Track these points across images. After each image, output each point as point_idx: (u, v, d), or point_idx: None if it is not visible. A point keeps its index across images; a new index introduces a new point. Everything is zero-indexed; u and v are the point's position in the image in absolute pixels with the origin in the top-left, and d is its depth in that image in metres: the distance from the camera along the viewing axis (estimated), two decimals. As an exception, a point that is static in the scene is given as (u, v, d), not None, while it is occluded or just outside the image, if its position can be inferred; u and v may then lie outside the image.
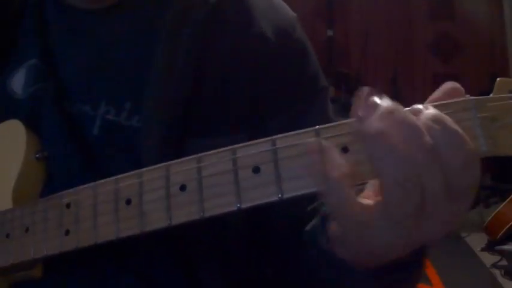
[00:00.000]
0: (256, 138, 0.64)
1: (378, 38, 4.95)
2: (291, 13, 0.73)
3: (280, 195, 0.40)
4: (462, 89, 0.42)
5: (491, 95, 0.41)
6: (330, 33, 5.07)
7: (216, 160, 0.43)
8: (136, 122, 0.62)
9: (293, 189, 0.41)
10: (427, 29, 5.24)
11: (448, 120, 0.38)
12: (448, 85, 0.43)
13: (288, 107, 0.67)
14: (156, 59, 0.62)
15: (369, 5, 5.06)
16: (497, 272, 3.00)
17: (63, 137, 0.63)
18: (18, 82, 0.66)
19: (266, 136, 0.65)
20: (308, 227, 0.56)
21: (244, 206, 0.42)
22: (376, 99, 0.39)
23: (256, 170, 0.42)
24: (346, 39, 5.16)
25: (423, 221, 0.40)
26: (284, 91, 0.68)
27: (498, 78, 0.41)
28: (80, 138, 0.63)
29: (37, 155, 0.62)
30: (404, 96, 4.88)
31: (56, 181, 0.62)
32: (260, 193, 0.41)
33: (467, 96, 0.41)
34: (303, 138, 0.41)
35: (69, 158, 0.63)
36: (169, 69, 0.62)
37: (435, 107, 0.40)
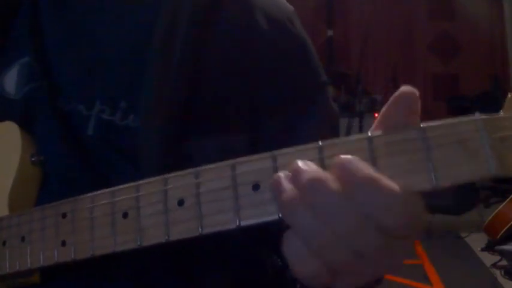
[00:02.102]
0: (257, 139, 0.64)
1: (378, 38, 4.96)
2: (289, 7, 0.72)
3: (280, 215, 0.39)
4: (414, 93, 0.40)
5: (501, 113, 0.38)
6: (330, 33, 5.08)
7: (214, 175, 0.42)
8: (131, 121, 0.61)
9: None
10: (427, 29, 5.25)
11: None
12: (402, 93, 0.40)
13: (288, 106, 0.66)
14: (151, 57, 0.61)
15: (369, 5, 5.06)
16: (497, 272, 3.00)
17: (58, 137, 0.62)
18: (10, 81, 0.65)
19: (269, 134, 0.64)
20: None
21: (244, 223, 0.41)
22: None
23: (256, 187, 0.41)
24: (346, 39, 5.16)
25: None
26: (285, 88, 0.67)
27: (510, 94, 0.39)
28: (75, 138, 0.62)
29: (33, 158, 0.61)
30: (404, 96, 4.88)
31: (52, 182, 0.61)
32: (260, 211, 0.40)
33: (478, 114, 0.39)
34: (305, 154, 0.40)
35: (65, 158, 0.62)
36: (165, 68, 0.61)
37: (439, 126, 0.38)
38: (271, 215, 0.40)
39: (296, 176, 0.38)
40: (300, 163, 0.38)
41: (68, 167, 0.61)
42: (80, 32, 0.65)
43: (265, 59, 0.65)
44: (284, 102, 0.66)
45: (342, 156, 0.37)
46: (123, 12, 0.65)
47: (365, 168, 0.36)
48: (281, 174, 0.39)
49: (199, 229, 0.42)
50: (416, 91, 0.40)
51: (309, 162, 0.38)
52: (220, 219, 0.41)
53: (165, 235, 0.44)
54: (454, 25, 5.22)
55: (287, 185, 0.38)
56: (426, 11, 5.24)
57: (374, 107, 4.35)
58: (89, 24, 0.65)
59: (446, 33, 5.25)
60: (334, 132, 0.69)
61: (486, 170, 0.36)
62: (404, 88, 0.40)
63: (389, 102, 0.40)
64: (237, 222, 0.41)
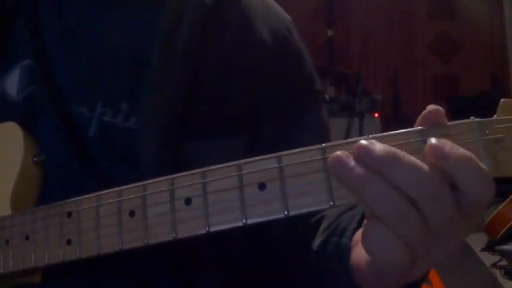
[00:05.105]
0: (254, 142, 0.65)
1: (378, 38, 4.95)
2: (287, 16, 0.74)
3: (286, 213, 0.40)
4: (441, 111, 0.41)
5: (494, 117, 0.40)
6: (330, 33, 5.08)
7: (221, 176, 0.43)
8: (133, 123, 0.62)
9: (299, 207, 0.40)
10: (427, 29, 5.25)
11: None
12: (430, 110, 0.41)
13: (285, 111, 0.68)
14: (153, 60, 0.62)
15: (369, 5, 5.06)
16: (497, 272, 2.99)
17: (59, 139, 0.62)
18: (11, 84, 0.65)
19: (264, 140, 0.65)
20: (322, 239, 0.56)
21: (250, 222, 0.41)
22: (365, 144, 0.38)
23: (262, 186, 0.41)
24: (346, 39, 5.16)
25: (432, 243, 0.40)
26: (281, 95, 0.68)
27: (502, 99, 0.40)
28: (77, 140, 0.62)
29: (35, 159, 0.61)
30: (404, 96, 4.89)
31: (53, 183, 0.62)
32: (266, 210, 0.41)
33: (473, 118, 0.40)
34: (309, 155, 0.41)
35: (66, 159, 0.62)
36: (166, 70, 0.61)
37: (437, 128, 0.39)
38: (277, 213, 0.41)
39: (368, 153, 0.37)
40: (365, 141, 0.38)
41: (68, 168, 0.62)
42: (81, 34, 0.66)
43: (263, 66, 0.67)
44: (280, 107, 0.68)
45: (434, 140, 0.38)
46: (124, 14, 0.66)
47: (460, 148, 0.37)
48: (341, 153, 0.38)
49: (207, 227, 0.43)
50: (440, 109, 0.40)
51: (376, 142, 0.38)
52: (227, 218, 0.42)
53: (172, 233, 0.44)
54: (454, 25, 5.22)
55: (355, 165, 0.38)
56: (426, 11, 5.23)
57: (374, 107, 4.34)
58: (90, 26, 0.66)
59: (446, 33, 5.25)
60: (325, 139, 0.71)
61: None
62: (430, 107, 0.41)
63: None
64: (244, 221, 0.41)
